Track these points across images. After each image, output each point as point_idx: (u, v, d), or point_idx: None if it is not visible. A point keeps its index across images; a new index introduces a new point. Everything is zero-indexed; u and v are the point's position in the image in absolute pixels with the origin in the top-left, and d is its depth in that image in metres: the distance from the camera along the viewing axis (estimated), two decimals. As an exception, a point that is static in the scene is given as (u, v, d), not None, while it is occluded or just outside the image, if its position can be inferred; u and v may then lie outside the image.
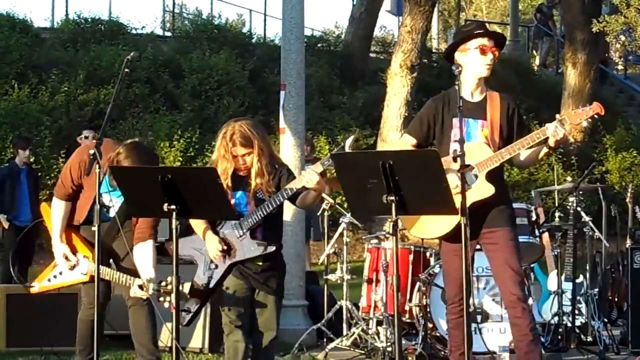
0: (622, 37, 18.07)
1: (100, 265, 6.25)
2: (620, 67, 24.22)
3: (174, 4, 26.52)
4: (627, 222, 10.45)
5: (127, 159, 6.50)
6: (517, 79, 22.84)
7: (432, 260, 9.07)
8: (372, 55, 25.54)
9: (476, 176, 6.28)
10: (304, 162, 9.64)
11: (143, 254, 6.71)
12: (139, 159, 6.51)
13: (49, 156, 16.56)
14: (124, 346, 8.22)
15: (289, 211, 8.84)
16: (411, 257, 9.01)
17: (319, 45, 24.16)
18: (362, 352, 8.66)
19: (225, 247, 6.26)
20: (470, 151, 6.20)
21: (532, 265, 9.19)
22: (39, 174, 14.21)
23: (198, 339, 8.73)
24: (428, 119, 6.48)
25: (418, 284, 8.84)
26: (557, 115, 6.30)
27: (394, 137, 16.26)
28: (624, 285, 9.92)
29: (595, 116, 6.26)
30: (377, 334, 8.75)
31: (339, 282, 9.20)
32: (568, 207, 9.21)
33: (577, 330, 8.98)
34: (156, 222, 6.82)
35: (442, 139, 6.45)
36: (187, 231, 6.55)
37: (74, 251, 6.93)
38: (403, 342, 8.44)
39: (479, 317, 8.47)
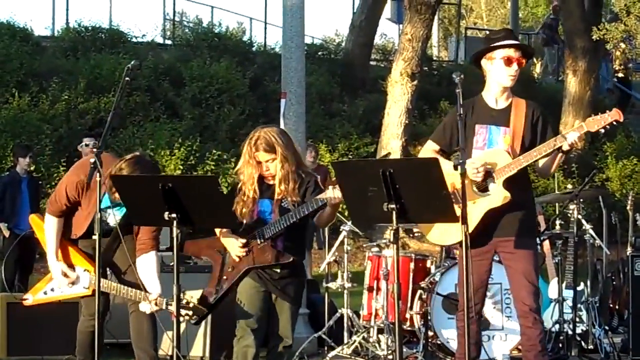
0: (623, 45, 18.09)
1: (105, 280, 6.24)
2: (620, 75, 24.18)
3: (174, 12, 26.56)
4: (628, 230, 10.44)
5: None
6: (518, 87, 22.72)
7: (432, 268, 9.06)
8: (372, 63, 25.56)
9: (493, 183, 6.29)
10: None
11: (147, 266, 6.67)
12: (143, 171, 6.44)
13: (49, 165, 16.57)
14: (124, 355, 8.21)
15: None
16: (412, 265, 9.00)
17: (319, 53, 24.18)
18: (363, 360, 8.66)
19: (245, 245, 6.27)
20: (490, 158, 6.26)
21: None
22: (40, 182, 14.20)
23: (199, 347, 8.72)
24: (451, 126, 6.45)
25: (419, 292, 8.84)
26: (577, 122, 6.31)
27: (394, 145, 16.29)
28: (624, 293, 9.92)
29: (615, 123, 6.26)
30: (378, 342, 8.74)
31: (339, 290, 9.20)
32: (569, 214, 9.21)
33: (578, 338, 8.97)
34: (157, 232, 6.78)
35: (466, 146, 6.46)
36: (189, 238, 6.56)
37: (72, 265, 6.85)
38: (404, 350, 8.43)
39: (480, 325, 8.46)
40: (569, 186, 9.72)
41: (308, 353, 8.86)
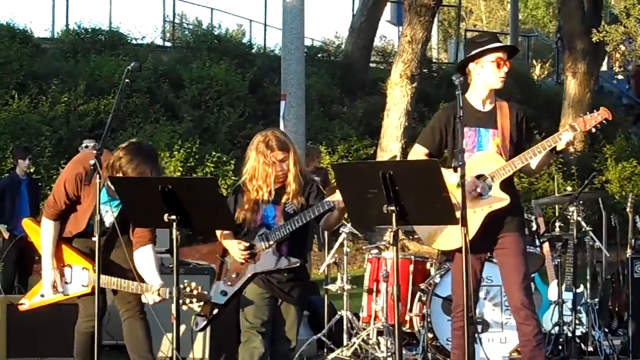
0: (622, 47, 18.10)
1: (104, 275, 6.22)
2: (620, 77, 24.24)
3: (174, 14, 26.54)
4: (628, 232, 10.44)
5: (130, 163, 6.32)
6: (518, 89, 22.83)
7: (432, 270, 9.06)
8: (372, 65, 25.56)
9: (490, 187, 6.31)
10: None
11: (145, 260, 6.58)
12: (144, 160, 6.36)
13: (49, 166, 16.56)
14: (123, 356, 8.17)
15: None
16: (412, 267, 9.00)
17: (319, 55, 24.18)
18: (363, 362, 8.66)
19: (248, 248, 6.27)
20: (482, 161, 6.30)
21: (532, 275, 9.17)
22: (39, 184, 14.19)
23: (199, 349, 8.71)
24: (440, 129, 6.48)
25: (418, 294, 8.84)
26: (569, 121, 6.34)
27: (394, 147, 16.27)
28: (624, 295, 9.92)
29: (604, 121, 6.32)
30: (378, 344, 8.74)
31: (339, 292, 9.19)
32: (568, 217, 9.21)
33: (578, 340, 8.97)
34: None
35: (455, 149, 6.48)
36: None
37: (69, 264, 6.77)
38: (403, 352, 8.43)
39: (479, 327, 8.47)
40: (569, 188, 9.74)
41: (308, 355, 8.86)
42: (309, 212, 6.18)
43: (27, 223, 7.09)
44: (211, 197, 5.82)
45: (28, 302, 7.00)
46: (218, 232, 6.44)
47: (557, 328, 9.00)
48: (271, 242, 6.27)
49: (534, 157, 6.35)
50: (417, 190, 5.44)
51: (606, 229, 11.11)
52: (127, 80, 6.16)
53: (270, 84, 20.62)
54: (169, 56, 22.09)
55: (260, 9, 60.25)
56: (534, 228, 8.76)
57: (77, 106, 18.33)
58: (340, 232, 9.19)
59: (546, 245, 9.49)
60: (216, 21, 27.28)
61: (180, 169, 17.36)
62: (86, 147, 11.68)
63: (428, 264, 9.15)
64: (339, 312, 9.14)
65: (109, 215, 6.54)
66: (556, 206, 11.78)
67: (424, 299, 8.74)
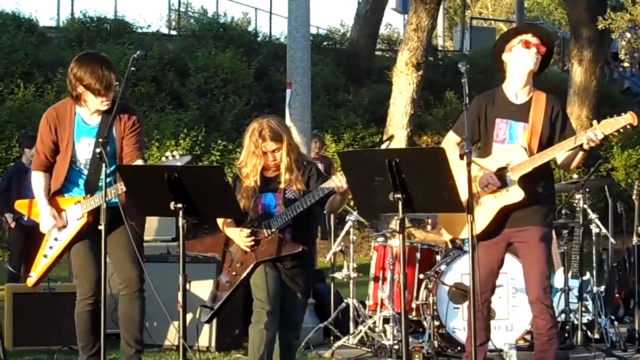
0: (628, 35, 18.05)
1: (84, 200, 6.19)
2: (626, 64, 24.15)
3: (179, 2, 26.59)
4: (634, 219, 10.42)
5: (81, 68, 6.57)
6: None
7: (438, 258, 9.06)
8: (377, 53, 25.56)
9: (510, 181, 6.30)
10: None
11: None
12: (92, 60, 6.63)
13: (55, 155, 16.56)
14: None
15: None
16: (418, 255, 9.01)
17: (324, 43, 24.19)
18: (369, 350, 8.64)
19: (252, 236, 6.26)
20: (506, 153, 6.32)
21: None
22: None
23: (205, 337, 8.72)
24: (472, 119, 6.42)
25: (425, 281, 8.84)
26: (594, 122, 6.30)
27: (399, 135, 16.29)
28: (630, 283, 9.91)
29: (628, 126, 6.26)
30: (384, 332, 8.74)
31: (345, 280, 9.20)
32: (574, 204, 9.21)
33: (584, 328, 8.97)
34: (141, 141, 6.81)
35: (487, 138, 6.47)
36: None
37: (63, 209, 6.72)
38: (410, 340, 8.43)
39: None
40: (575, 176, 9.70)
41: (314, 343, 8.85)
42: (309, 197, 6.15)
43: (19, 204, 7.12)
44: (217, 185, 5.82)
45: (35, 273, 6.90)
46: (220, 221, 6.42)
47: (563, 316, 9.00)
48: (273, 230, 6.26)
49: (554, 154, 6.31)
50: (424, 178, 5.42)
51: (612, 217, 11.09)
52: (132, 68, 6.16)
53: (276, 72, 20.63)
54: (174, 45, 22.09)
55: (265, -3, 60.19)
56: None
57: (82, 95, 18.31)
58: (346, 220, 9.19)
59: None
60: (222, 9, 27.41)
61: (186, 157, 17.33)
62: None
63: (434, 252, 9.15)
64: (345, 300, 9.15)
65: (89, 148, 6.60)
66: (562, 194, 11.78)
67: (430, 286, 8.74)
